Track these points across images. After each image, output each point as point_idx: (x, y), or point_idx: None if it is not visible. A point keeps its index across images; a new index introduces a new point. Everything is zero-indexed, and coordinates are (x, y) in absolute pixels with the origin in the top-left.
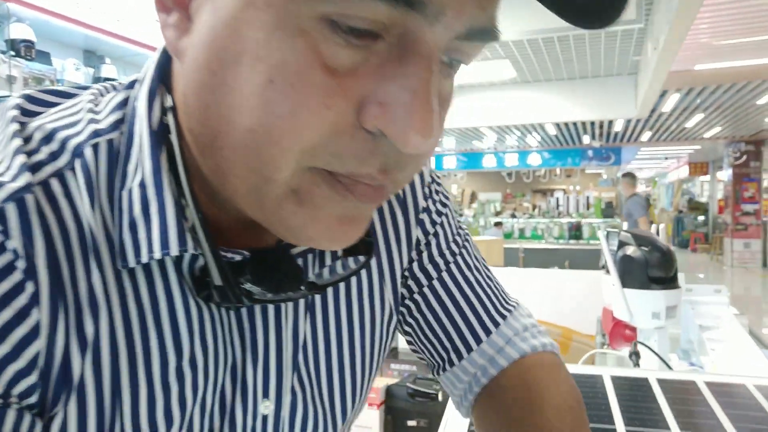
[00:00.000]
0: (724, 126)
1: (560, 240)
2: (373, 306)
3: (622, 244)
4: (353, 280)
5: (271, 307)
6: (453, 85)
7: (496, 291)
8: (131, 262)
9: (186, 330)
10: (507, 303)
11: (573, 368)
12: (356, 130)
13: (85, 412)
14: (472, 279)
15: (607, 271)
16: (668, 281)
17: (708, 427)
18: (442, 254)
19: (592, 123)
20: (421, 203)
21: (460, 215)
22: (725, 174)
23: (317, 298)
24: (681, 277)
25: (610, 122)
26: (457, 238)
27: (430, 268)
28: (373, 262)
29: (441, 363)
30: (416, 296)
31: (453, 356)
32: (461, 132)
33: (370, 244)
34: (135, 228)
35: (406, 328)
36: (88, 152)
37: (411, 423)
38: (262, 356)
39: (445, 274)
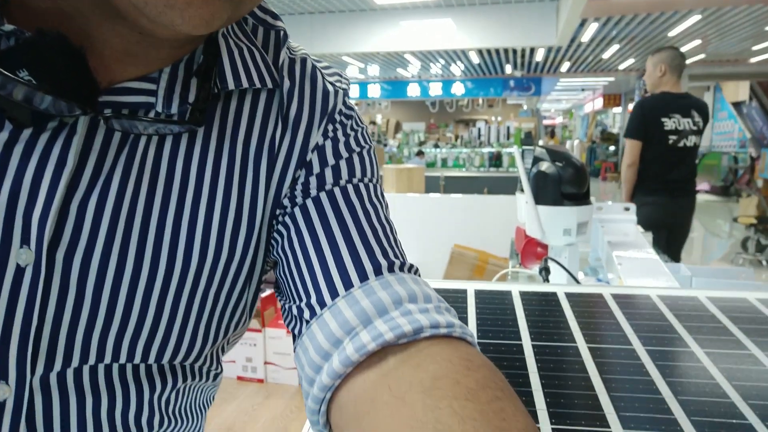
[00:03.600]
0: (638, 58)
1: (481, 168)
2: (186, 184)
3: (536, 160)
4: (170, 153)
5: (62, 137)
6: None
7: (389, 237)
8: None
9: None
10: (400, 256)
11: (482, 285)
12: None
13: None
14: (359, 212)
15: (522, 190)
16: (580, 197)
17: (612, 337)
18: (320, 183)
19: (514, 52)
20: (315, 137)
21: (384, 145)
22: None
23: (128, 146)
24: (592, 200)
25: (532, 51)
26: (365, 178)
27: (312, 184)
28: (227, 154)
29: (299, 319)
30: (287, 218)
31: (314, 304)
32: (385, 58)
33: (202, 112)
34: None
35: (278, 271)
36: None
37: None
38: (27, 194)
39: (310, 201)
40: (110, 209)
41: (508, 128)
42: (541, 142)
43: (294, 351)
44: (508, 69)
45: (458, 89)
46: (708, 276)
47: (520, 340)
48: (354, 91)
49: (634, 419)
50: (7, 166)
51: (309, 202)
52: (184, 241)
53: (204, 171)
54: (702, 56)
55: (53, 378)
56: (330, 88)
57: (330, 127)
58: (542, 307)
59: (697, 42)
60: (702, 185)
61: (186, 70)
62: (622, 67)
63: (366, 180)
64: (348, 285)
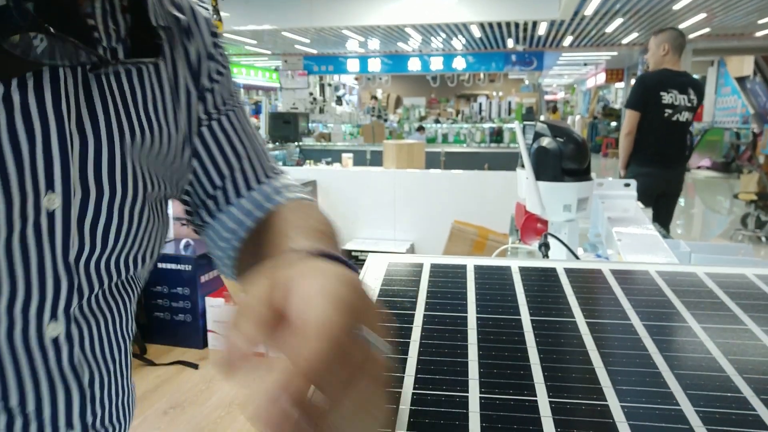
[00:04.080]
0: (641, 32)
1: (482, 144)
2: (158, 115)
3: (537, 136)
4: (140, 86)
5: (47, 83)
6: None
7: (266, 151)
8: None
9: None
10: (273, 161)
11: (482, 261)
12: None
13: None
14: (249, 131)
15: (522, 165)
16: (581, 173)
17: (611, 312)
18: (223, 102)
19: (517, 25)
20: (210, 49)
21: (385, 120)
22: None
23: (95, 85)
24: (593, 176)
25: (534, 25)
26: (235, 96)
27: (211, 109)
28: (164, 78)
29: (210, 209)
30: (195, 138)
31: (220, 200)
32: (386, 31)
33: (159, 47)
34: None
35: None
36: None
37: None
38: (41, 139)
39: (224, 118)
40: (106, 143)
41: (510, 103)
42: (542, 118)
43: (206, 231)
44: (510, 43)
45: (459, 64)
46: (707, 252)
47: (519, 315)
48: (354, 65)
49: (631, 392)
50: (14, 117)
51: (215, 125)
52: (164, 154)
53: (164, 92)
54: (707, 30)
55: (76, 310)
56: (206, 13)
57: (213, 51)
58: (541, 282)
59: (702, 15)
60: (703, 161)
61: (110, 4)
62: (625, 41)
63: (240, 101)
64: (250, 186)
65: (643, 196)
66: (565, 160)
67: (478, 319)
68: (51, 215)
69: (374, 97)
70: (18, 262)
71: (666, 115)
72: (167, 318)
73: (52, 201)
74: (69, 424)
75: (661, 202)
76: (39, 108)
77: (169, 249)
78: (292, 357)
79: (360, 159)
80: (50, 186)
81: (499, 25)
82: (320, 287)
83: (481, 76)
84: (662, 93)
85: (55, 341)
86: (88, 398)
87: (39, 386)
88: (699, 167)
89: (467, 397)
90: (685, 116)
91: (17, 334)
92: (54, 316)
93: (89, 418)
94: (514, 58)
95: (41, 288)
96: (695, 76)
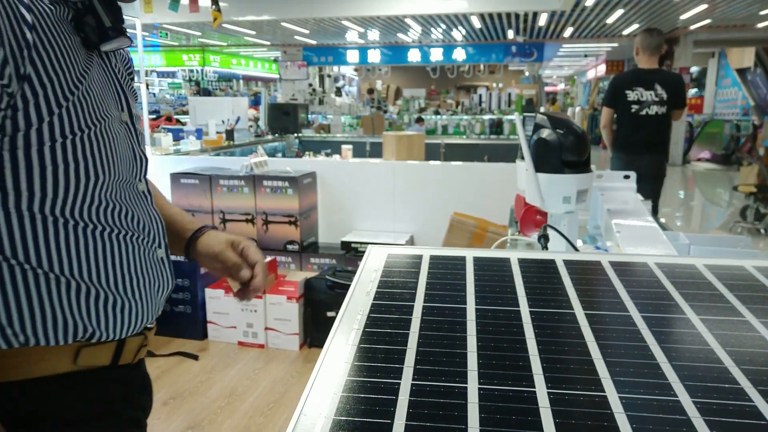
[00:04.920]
0: (642, 23)
1: (482, 136)
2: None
3: (537, 127)
4: (126, 58)
5: (106, 58)
6: None
7: None
8: None
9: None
10: None
11: (481, 252)
12: None
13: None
14: None
15: (522, 157)
16: (581, 165)
17: (609, 304)
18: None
19: (517, 16)
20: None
21: (385, 111)
22: None
23: (115, 55)
24: (592, 168)
25: (535, 16)
26: None
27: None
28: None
29: None
30: None
31: None
32: (386, 22)
33: (130, 36)
34: None
35: None
36: None
37: (330, 314)
38: (114, 87)
39: None
40: (128, 86)
41: (510, 95)
42: (542, 109)
43: None
44: (510, 34)
45: (459, 55)
46: (706, 244)
47: (518, 306)
48: (354, 56)
49: (629, 383)
50: (106, 77)
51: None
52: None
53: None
54: (708, 21)
55: (145, 179)
56: None
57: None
58: (540, 274)
59: (704, 6)
60: (703, 153)
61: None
62: (626, 32)
63: None
64: None
65: None
66: (564, 152)
67: (477, 310)
68: (127, 125)
69: (371, 90)
70: (126, 147)
71: (633, 110)
72: (167, 309)
73: (125, 117)
74: (159, 244)
75: (638, 183)
76: (108, 71)
77: None
78: (256, 258)
79: (359, 150)
80: (122, 109)
81: (500, 15)
82: (245, 241)
83: (481, 67)
84: (627, 91)
85: (143, 192)
86: (163, 229)
87: (144, 217)
88: (699, 159)
89: (466, 388)
90: (654, 110)
91: (130, 186)
92: (140, 178)
93: (165, 242)
94: (514, 49)
95: (135, 161)
96: (695, 68)
